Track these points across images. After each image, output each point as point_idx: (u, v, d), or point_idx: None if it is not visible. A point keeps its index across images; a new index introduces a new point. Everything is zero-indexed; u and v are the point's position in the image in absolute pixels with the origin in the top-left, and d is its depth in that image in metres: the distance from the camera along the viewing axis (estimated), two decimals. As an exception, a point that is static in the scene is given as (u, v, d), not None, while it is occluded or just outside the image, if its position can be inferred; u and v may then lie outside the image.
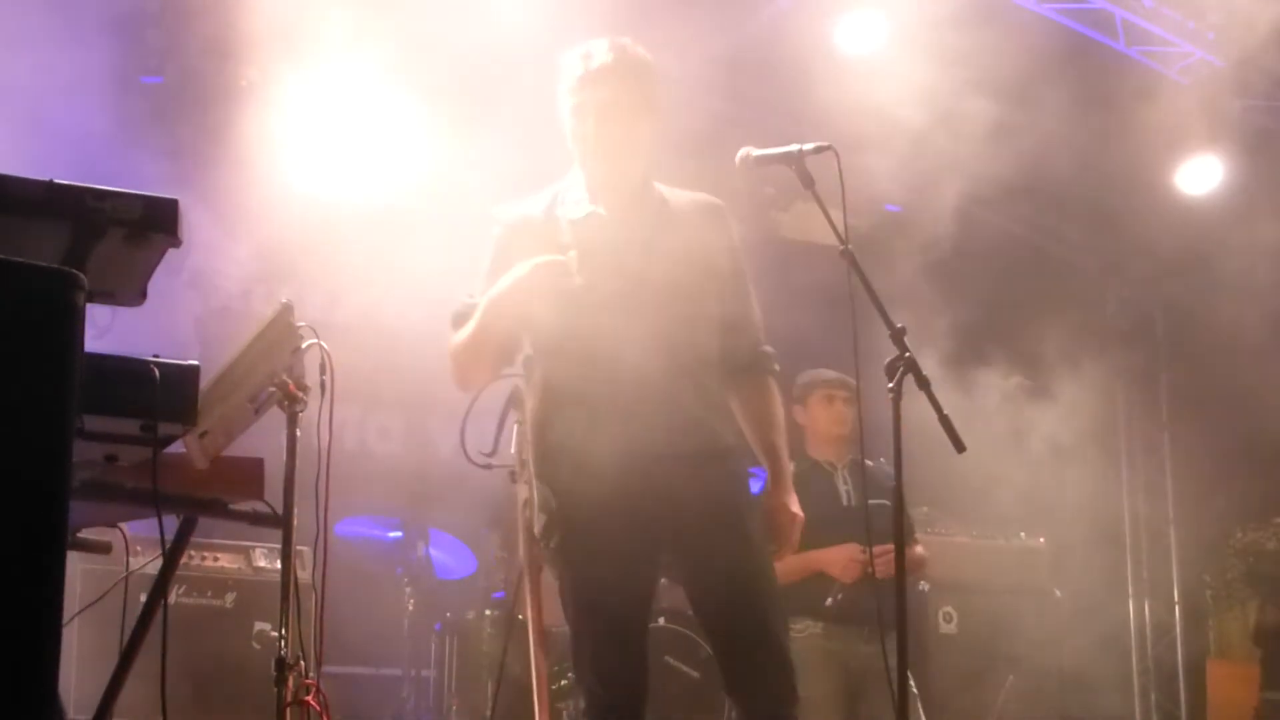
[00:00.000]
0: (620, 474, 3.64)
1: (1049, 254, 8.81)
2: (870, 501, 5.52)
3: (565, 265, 3.70)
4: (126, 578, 3.14)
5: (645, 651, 3.83)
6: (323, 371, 3.51)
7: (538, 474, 3.74)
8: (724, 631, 3.83)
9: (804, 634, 5.66)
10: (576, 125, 3.89)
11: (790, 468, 4.09)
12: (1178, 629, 9.41)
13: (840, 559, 5.66)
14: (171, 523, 3.04)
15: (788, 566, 5.43)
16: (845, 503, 5.88)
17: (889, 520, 5.41)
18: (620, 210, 3.87)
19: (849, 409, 5.90)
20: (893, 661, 5.42)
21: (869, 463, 5.64)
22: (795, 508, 3.99)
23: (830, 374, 6.02)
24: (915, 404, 3.76)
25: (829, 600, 5.66)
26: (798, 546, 4.04)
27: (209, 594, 6.25)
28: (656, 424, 3.70)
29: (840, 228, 3.71)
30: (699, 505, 3.76)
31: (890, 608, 5.33)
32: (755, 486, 7.27)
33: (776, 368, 4.10)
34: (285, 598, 3.30)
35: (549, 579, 4.22)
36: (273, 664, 3.29)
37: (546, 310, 3.71)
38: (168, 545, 2.79)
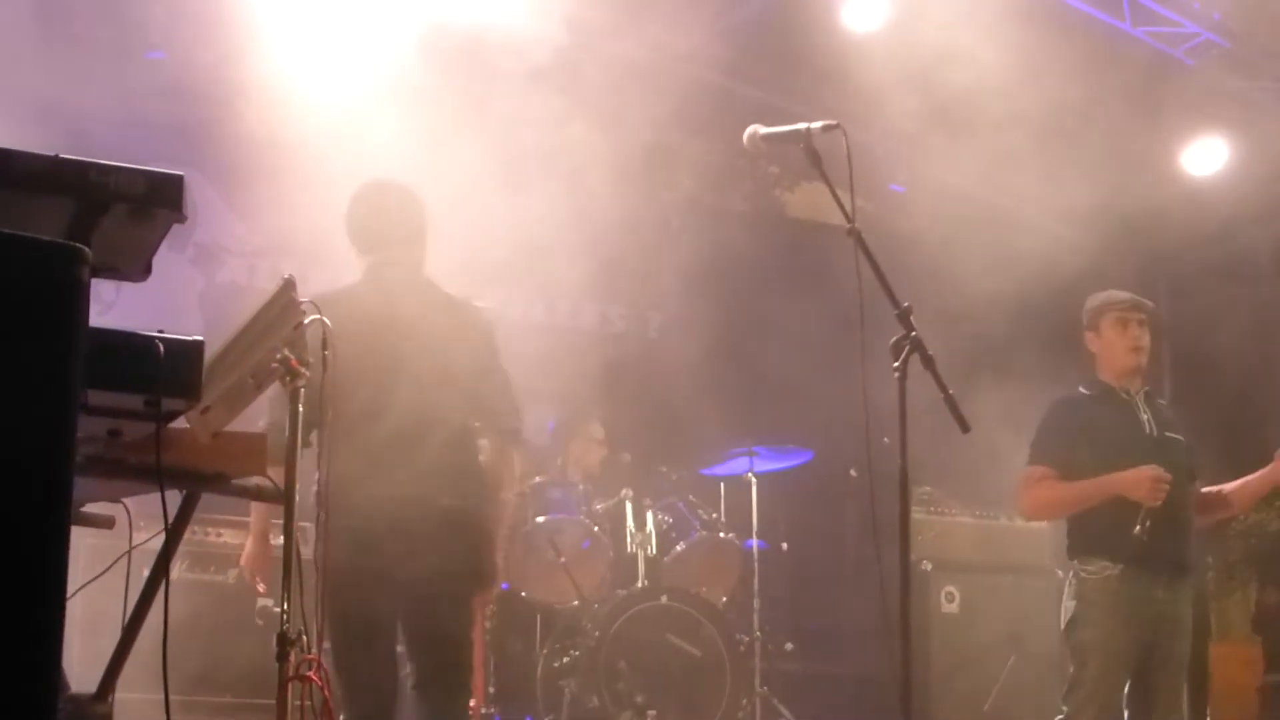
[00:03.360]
0: None
1: (1051, 233, 8.78)
2: (1166, 434, 5.35)
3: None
4: (129, 552, 3.13)
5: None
6: (324, 347, 3.51)
7: None
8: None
9: (1098, 575, 5.14)
10: None
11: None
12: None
13: (1142, 479, 5.04)
14: (175, 498, 3.04)
15: (1078, 494, 5.22)
16: (1148, 431, 5.32)
17: (1187, 455, 5.37)
18: None
19: (1145, 332, 5.37)
20: (1160, 611, 5.19)
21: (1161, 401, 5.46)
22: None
23: (1123, 295, 5.48)
24: (920, 383, 3.77)
25: (1138, 527, 5.01)
26: None
27: (212, 569, 6.26)
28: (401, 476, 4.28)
29: (848, 207, 3.70)
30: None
31: (1192, 549, 5.30)
32: (733, 468, 7.25)
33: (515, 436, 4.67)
34: (287, 574, 3.30)
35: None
36: (275, 640, 3.30)
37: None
38: (170, 521, 2.78)
